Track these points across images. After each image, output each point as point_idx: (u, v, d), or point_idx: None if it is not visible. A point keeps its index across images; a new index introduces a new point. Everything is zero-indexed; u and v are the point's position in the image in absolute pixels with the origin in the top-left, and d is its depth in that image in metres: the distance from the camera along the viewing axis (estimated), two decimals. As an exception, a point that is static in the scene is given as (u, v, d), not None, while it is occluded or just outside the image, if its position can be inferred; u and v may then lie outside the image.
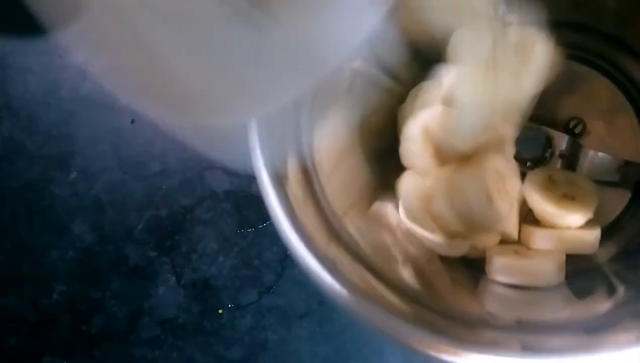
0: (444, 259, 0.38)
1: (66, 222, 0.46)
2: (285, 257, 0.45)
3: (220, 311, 0.45)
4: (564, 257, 0.37)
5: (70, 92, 0.47)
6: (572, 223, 0.38)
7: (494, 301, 0.35)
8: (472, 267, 0.39)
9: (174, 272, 0.45)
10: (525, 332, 0.28)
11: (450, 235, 0.36)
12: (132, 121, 0.46)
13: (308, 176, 0.32)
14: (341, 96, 0.36)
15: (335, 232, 0.31)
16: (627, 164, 0.40)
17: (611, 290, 0.34)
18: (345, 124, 0.37)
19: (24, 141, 0.47)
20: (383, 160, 0.40)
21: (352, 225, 0.32)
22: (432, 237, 0.36)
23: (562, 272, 0.36)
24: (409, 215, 0.36)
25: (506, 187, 0.36)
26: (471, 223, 0.36)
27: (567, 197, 0.38)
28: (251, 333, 0.45)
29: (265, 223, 0.45)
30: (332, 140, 0.36)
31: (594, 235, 0.37)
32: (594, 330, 0.27)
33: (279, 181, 0.29)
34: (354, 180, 0.38)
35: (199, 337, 0.45)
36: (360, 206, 0.36)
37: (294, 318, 0.45)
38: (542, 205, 0.38)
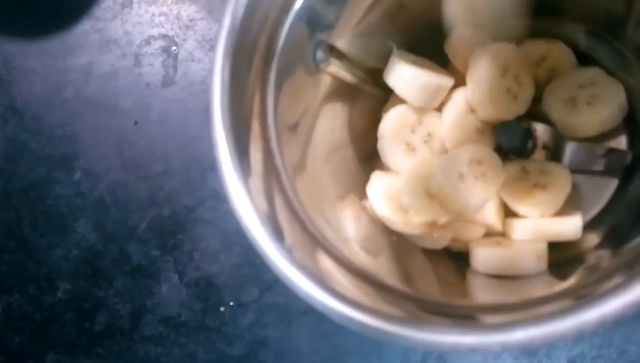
0: (428, 252, 0.39)
1: (70, 222, 0.47)
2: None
3: (222, 308, 0.46)
4: (544, 246, 0.37)
5: (74, 93, 0.47)
6: (544, 212, 0.38)
7: (479, 291, 0.36)
8: (458, 260, 0.39)
9: (177, 270, 0.46)
10: (509, 311, 0.29)
11: (426, 226, 0.37)
12: (135, 123, 0.47)
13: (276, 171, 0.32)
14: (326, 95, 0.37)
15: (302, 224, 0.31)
16: (611, 151, 0.40)
17: (596, 273, 0.34)
18: (338, 119, 0.38)
19: (29, 142, 0.48)
20: (372, 160, 0.41)
21: (344, 215, 0.32)
22: (405, 228, 0.37)
23: (543, 261, 0.37)
24: (378, 211, 0.37)
25: (485, 175, 0.37)
26: (445, 206, 0.36)
27: (539, 186, 0.38)
28: (252, 330, 0.46)
29: (266, 222, 0.46)
30: (327, 133, 0.36)
31: (573, 222, 0.37)
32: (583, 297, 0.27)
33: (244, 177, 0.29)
34: (345, 173, 0.38)
35: (201, 334, 0.46)
36: (350, 199, 0.37)
37: (295, 316, 0.45)
38: (512, 196, 0.38)
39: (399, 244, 0.38)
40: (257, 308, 0.46)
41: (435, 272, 0.38)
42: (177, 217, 0.46)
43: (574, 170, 0.39)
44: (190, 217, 0.47)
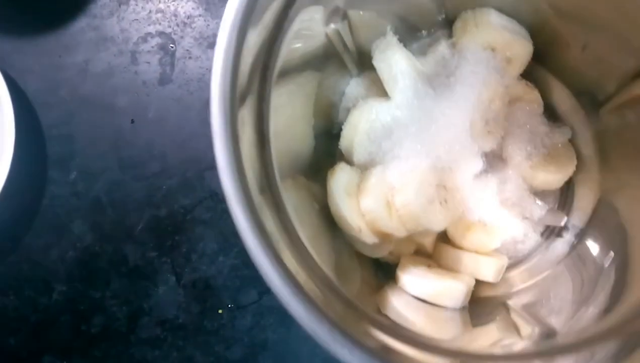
0: (359, 255, 0.38)
1: (66, 222, 0.46)
2: (285, 257, 0.45)
3: (220, 311, 0.45)
4: (473, 282, 0.38)
5: (70, 92, 0.47)
6: (479, 249, 0.39)
7: (395, 308, 0.36)
8: (382, 269, 0.39)
9: (174, 272, 0.45)
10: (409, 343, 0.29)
11: (378, 234, 0.36)
12: (132, 121, 0.46)
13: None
14: (306, 65, 0.36)
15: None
16: (551, 210, 0.42)
17: (507, 324, 0.35)
18: (300, 92, 0.37)
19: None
20: (328, 142, 0.40)
21: (285, 195, 0.32)
22: (357, 234, 0.36)
23: (468, 296, 0.38)
24: (336, 210, 0.37)
25: (447, 202, 0.37)
26: (404, 222, 0.36)
27: (481, 223, 0.39)
28: (251, 333, 0.45)
29: (265, 223, 0.45)
30: (287, 105, 0.35)
31: (496, 265, 0.38)
32: None
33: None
34: (298, 150, 0.37)
35: (199, 337, 0.45)
36: (297, 178, 0.36)
37: (294, 319, 0.45)
38: (454, 225, 0.39)
39: (335, 239, 0.37)
40: (256, 311, 0.45)
41: (362, 276, 0.38)
42: (174, 218, 0.46)
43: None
44: (188, 218, 0.46)
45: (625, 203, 0.38)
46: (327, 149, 0.40)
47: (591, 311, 0.34)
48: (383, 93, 0.39)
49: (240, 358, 0.45)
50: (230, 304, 0.45)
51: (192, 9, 0.48)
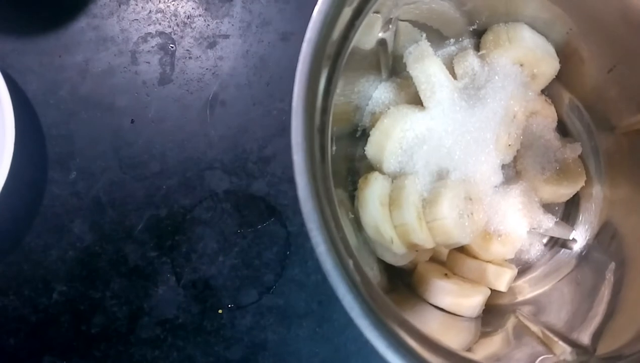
0: (379, 261, 0.39)
1: (66, 222, 0.46)
2: (285, 257, 0.45)
3: (220, 311, 0.45)
4: (489, 292, 0.38)
5: (70, 91, 0.47)
6: (494, 258, 0.40)
7: (412, 315, 0.36)
8: (397, 273, 0.40)
9: (174, 272, 0.45)
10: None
11: (408, 245, 0.36)
12: (132, 121, 0.46)
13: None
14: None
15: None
16: (558, 223, 0.42)
17: (510, 335, 0.36)
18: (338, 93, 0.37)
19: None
20: (347, 145, 0.40)
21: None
22: (388, 244, 0.36)
23: (483, 306, 0.38)
24: (369, 220, 0.36)
25: (473, 214, 0.38)
26: (434, 235, 0.36)
27: (495, 233, 0.39)
28: (251, 333, 0.45)
29: (265, 223, 0.45)
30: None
31: (509, 275, 0.39)
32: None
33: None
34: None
35: (198, 337, 0.45)
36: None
37: (294, 318, 0.45)
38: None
39: (361, 246, 0.37)
40: (256, 311, 0.45)
41: (379, 281, 0.38)
42: (174, 218, 0.46)
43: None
44: (187, 218, 0.46)
45: (628, 219, 0.38)
46: (345, 153, 0.40)
47: (592, 320, 0.34)
48: (411, 99, 0.39)
49: (240, 358, 0.45)
50: (230, 304, 0.45)
51: (192, 9, 0.48)
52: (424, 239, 0.36)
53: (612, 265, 0.36)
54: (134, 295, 0.45)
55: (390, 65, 0.40)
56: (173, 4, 0.48)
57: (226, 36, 0.47)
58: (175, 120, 0.46)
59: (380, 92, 0.41)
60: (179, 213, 0.46)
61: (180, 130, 0.46)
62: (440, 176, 0.38)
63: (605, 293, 0.35)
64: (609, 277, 0.36)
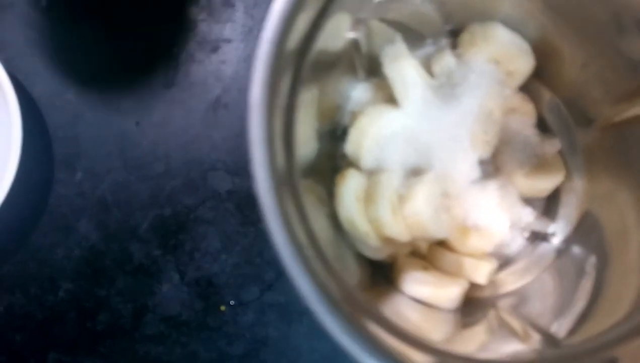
0: (359, 255, 0.40)
1: (72, 222, 0.47)
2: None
3: (222, 308, 0.46)
4: (468, 284, 0.39)
5: (76, 94, 0.48)
6: (474, 252, 0.41)
7: (391, 307, 0.37)
8: (378, 268, 0.41)
9: (178, 270, 0.47)
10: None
11: (383, 239, 0.38)
12: (137, 123, 0.48)
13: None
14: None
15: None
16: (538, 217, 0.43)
17: (490, 328, 0.37)
18: (309, 97, 0.38)
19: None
20: (329, 144, 0.41)
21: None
22: (364, 238, 0.38)
23: (462, 298, 0.39)
24: (346, 215, 0.38)
25: (450, 209, 0.39)
26: (411, 229, 0.38)
27: (474, 227, 0.41)
28: (253, 329, 0.46)
29: (267, 222, 0.47)
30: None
31: (488, 268, 0.40)
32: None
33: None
34: (303, 153, 0.38)
35: (202, 333, 0.46)
36: (305, 181, 0.37)
37: (295, 315, 0.46)
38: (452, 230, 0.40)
39: (339, 241, 0.38)
40: (258, 308, 0.46)
41: (360, 275, 0.39)
42: (178, 217, 0.47)
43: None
44: (191, 217, 0.47)
45: (607, 213, 0.39)
46: (327, 151, 0.41)
47: (571, 315, 0.36)
48: (389, 99, 0.40)
49: (242, 354, 0.46)
50: (232, 301, 0.46)
51: (195, 13, 0.49)
52: (398, 233, 0.37)
53: (593, 259, 0.38)
54: (138, 292, 0.46)
55: (367, 65, 0.41)
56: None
57: (228, 41, 0.48)
58: (179, 122, 0.47)
59: (358, 92, 0.42)
60: (183, 213, 0.47)
61: (184, 132, 0.47)
62: (417, 172, 0.39)
63: (585, 286, 0.36)
64: (590, 270, 0.37)
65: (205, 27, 0.49)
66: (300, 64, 0.31)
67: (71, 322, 0.46)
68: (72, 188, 0.47)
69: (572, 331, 0.34)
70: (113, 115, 0.48)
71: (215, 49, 0.48)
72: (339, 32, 0.36)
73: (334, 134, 0.42)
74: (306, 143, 0.38)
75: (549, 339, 0.33)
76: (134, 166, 0.47)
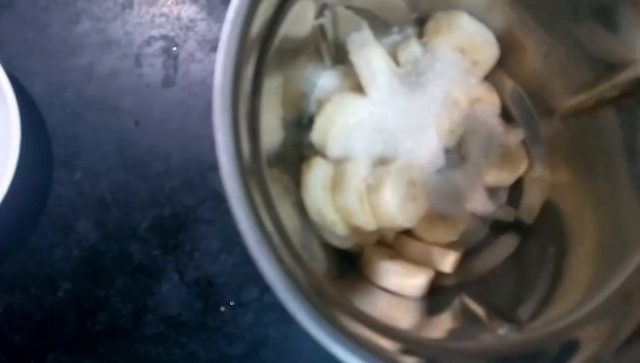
0: (326, 245, 0.40)
1: (71, 222, 0.47)
2: (286, 255, 0.46)
3: (222, 308, 0.46)
4: (433, 273, 0.39)
5: (75, 93, 0.48)
6: (439, 240, 0.41)
7: (359, 296, 0.37)
8: (345, 257, 0.41)
9: (177, 270, 0.46)
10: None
11: (350, 228, 0.38)
12: (136, 123, 0.47)
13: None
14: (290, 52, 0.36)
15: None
16: (502, 206, 0.43)
17: (457, 314, 0.37)
18: (273, 84, 0.37)
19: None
20: (295, 133, 0.41)
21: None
22: (331, 227, 0.38)
23: (428, 286, 0.39)
24: (312, 204, 0.38)
25: (416, 198, 0.39)
26: (376, 217, 0.38)
27: (440, 216, 0.41)
28: (252, 329, 0.46)
29: (267, 222, 0.46)
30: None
31: (453, 256, 0.40)
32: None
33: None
34: (270, 141, 0.37)
35: (201, 334, 0.46)
36: (271, 170, 0.36)
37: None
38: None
39: (306, 230, 0.38)
40: (258, 308, 0.46)
41: (328, 265, 0.39)
42: (177, 217, 0.47)
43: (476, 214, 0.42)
44: (191, 217, 0.47)
45: (567, 202, 0.40)
46: (294, 140, 0.41)
47: (533, 300, 0.36)
48: (356, 87, 0.40)
49: (242, 354, 0.46)
50: (232, 301, 0.46)
51: (195, 13, 0.49)
52: (365, 221, 0.37)
53: (553, 247, 0.38)
54: (138, 292, 0.46)
55: (333, 53, 0.41)
56: (176, 8, 0.49)
57: (228, 40, 0.48)
58: (178, 121, 0.47)
59: (325, 80, 0.42)
60: (183, 213, 0.47)
61: (184, 132, 0.47)
62: (384, 161, 0.39)
63: (546, 273, 0.37)
64: (550, 257, 0.38)
65: (205, 25, 0.48)
66: (264, 50, 0.31)
67: (71, 322, 0.46)
68: (71, 188, 0.47)
69: (534, 316, 0.34)
70: (112, 115, 0.47)
71: (214, 48, 0.48)
72: (305, 18, 0.36)
73: (300, 123, 0.42)
74: (272, 131, 0.37)
75: (513, 324, 0.33)
76: (133, 166, 0.47)
